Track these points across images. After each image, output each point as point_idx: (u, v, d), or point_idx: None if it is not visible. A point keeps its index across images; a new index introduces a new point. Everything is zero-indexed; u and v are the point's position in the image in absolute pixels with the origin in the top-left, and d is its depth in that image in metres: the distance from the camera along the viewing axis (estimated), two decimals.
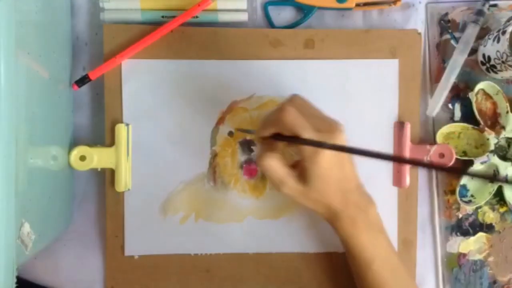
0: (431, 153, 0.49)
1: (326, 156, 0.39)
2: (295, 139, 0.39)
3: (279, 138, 0.41)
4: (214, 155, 0.50)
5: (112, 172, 0.48)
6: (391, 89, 0.50)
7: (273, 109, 0.41)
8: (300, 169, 0.41)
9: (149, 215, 0.49)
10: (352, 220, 0.42)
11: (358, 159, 0.39)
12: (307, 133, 0.38)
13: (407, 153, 0.49)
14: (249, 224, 0.50)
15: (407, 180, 0.49)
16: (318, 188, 0.40)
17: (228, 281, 0.50)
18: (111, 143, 0.48)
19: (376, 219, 0.43)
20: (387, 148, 0.50)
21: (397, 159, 0.48)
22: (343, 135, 0.39)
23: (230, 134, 0.49)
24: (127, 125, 0.48)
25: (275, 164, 0.40)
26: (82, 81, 0.48)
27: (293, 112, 0.39)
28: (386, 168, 0.50)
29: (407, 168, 0.49)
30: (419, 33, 0.50)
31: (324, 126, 0.39)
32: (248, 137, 0.50)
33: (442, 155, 0.49)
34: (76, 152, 0.48)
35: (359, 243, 0.42)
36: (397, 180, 0.49)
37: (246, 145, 0.50)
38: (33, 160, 0.38)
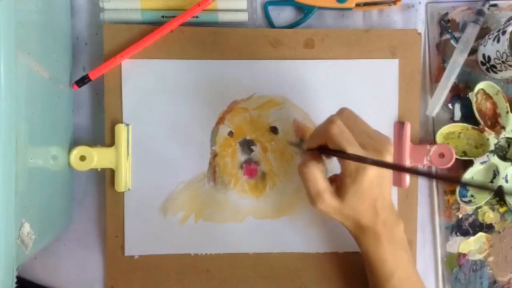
0: (431, 153, 0.49)
1: (370, 175, 0.38)
2: (339, 153, 0.38)
3: (324, 151, 0.40)
4: (214, 155, 0.49)
5: (112, 172, 0.48)
6: (391, 89, 0.50)
7: (323, 122, 0.41)
8: (337, 185, 0.40)
9: (149, 215, 0.49)
10: (377, 237, 0.42)
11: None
12: (352, 148, 0.37)
13: (407, 153, 0.49)
14: (249, 224, 0.50)
15: (407, 180, 0.49)
16: (352, 205, 0.40)
17: (228, 281, 0.50)
18: (111, 143, 0.48)
19: (401, 237, 0.43)
20: None
21: (452, 180, 0.44)
22: (389, 156, 0.39)
23: (230, 134, 0.49)
24: (127, 125, 0.48)
25: (318, 175, 0.40)
26: (82, 81, 0.48)
27: (340, 125, 0.38)
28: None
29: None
30: (419, 33, 0.50)
31: (371, 143, 0.39)
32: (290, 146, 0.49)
33: (442, 155, 0.49)
34: (76, 152, 0.48)
35: (380, 257, 0.42)
36: (397, 180, 0.49)
37: (246, 145, 0.50)
38: (33, 160, 0.38)
